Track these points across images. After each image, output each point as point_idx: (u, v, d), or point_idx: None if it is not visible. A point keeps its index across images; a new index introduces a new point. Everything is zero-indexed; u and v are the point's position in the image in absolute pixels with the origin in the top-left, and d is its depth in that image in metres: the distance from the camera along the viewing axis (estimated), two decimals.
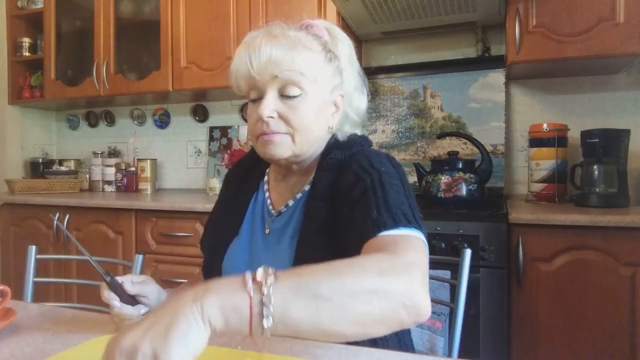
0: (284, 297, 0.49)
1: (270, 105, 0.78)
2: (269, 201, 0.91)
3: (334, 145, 0.86)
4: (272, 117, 0.78)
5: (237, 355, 0.63)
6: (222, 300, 0.48)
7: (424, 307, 0.54)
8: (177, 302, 0.49)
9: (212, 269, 0.89)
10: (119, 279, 0.72)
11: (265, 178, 0.95)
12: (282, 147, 0.80)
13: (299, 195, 0.87)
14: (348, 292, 0.51)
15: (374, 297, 0.51)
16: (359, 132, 0.92)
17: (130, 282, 0.73)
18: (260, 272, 0.50)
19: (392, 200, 0.69)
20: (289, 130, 0.79)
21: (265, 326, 0.48)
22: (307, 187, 0.86)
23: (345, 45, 0.88)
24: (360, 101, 0.91)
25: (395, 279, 0.53)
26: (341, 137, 0.88)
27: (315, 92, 0.80)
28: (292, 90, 0.78)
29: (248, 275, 0.50)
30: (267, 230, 0.88)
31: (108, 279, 0.69)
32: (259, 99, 0.80)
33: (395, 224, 0.65)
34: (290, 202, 0.87)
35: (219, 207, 0.98)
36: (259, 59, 0.76)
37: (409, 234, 0.65)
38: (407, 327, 0.56)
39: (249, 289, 0.49)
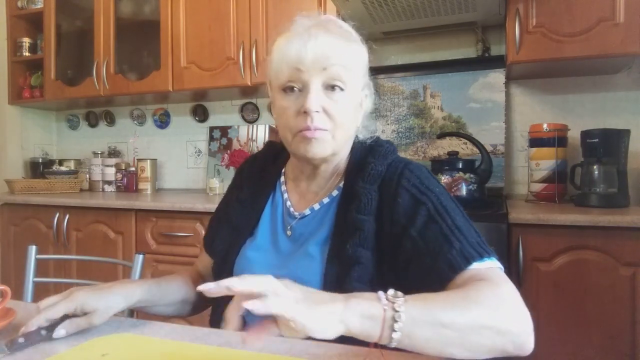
0: (412, 317, 0.56)
1: (318, 99, 0.75)
2: (288, 202, 0.88)
3: (362, 149, 0.85)
4: (318, 111, 0.76)
5: (238, 356, 0.63)
6: (362, 309, 0.56)
7: (530, 344, 0.60)
8: (324, 295, 0.58)
9: (223, 269, 0.86)
10: (34, 322, 0.67)
11: (282, 179, 0.92)
12: (323, 145, 0.77)
13: (326, 200, 0.84)
14: (466, 325, 0.58)
15: (488, 331, 0.58)
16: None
17: (44, 320, 0.67)
18: (391, 292, 0.58)
19: (463, 227, 0.72)
20: (331, 126, 0.77)
21: (394, 337, 0.56)
22: (335, 193, 0.84)
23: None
24: (368, 104, 0.88)
25: (507, 318, 0.60)
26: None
27: (354, 87, 0.80)
28: (337, 84, 0.77)
29: (381, 294, 0.58)
30: (289, 233, 0.85)
31: (43, 332, 0.67)
32: (298, 91, 0.77)
33: (481, 256, 0.69)
34: (316, 206, 0.84)
35: (233, 205, 0.92)
36: (314, 48, 0.75)
37: (493, 265, 0.70)
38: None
39: (383, 304, 0.57)
